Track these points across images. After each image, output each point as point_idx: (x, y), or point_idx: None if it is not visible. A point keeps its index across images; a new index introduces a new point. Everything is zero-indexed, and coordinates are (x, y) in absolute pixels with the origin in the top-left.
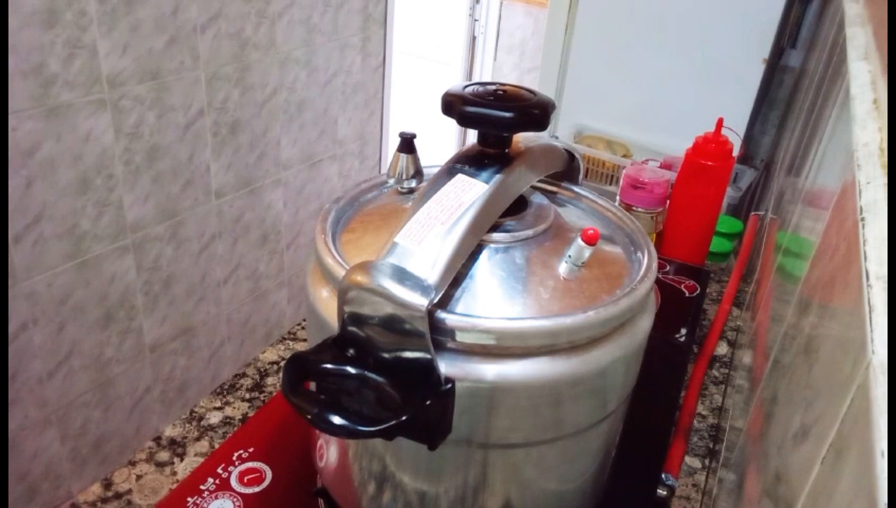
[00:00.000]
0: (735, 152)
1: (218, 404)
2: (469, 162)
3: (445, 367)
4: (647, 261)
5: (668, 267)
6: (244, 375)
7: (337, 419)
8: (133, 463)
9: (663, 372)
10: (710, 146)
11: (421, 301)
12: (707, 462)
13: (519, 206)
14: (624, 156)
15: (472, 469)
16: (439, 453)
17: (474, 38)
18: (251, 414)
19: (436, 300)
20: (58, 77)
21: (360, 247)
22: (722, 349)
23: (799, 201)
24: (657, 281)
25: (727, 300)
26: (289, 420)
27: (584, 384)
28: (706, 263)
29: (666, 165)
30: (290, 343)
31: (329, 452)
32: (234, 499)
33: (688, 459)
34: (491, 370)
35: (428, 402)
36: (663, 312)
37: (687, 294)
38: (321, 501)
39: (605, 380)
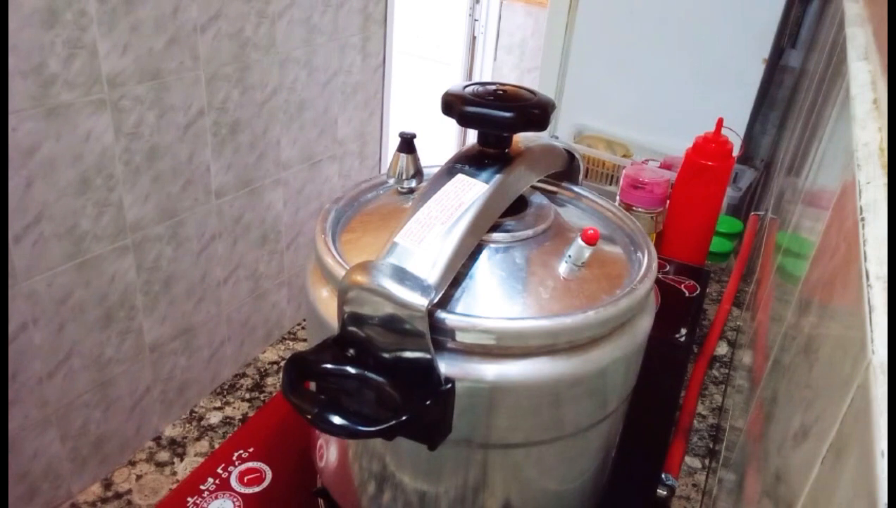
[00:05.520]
0: (735, 152)
1: (218, 404)
2: (469, 162)
3: (445, 367)
4: (647, 261)
5: (668, 267)
6: (244, 375)
7: (337, 419)
8: (133, 463)
9: (663, 372)
10: (710, 146)
11: (421, 301)
12: (707, 462)
13: (519, 206)
14: (624, 156)
15: (472, 469)
16: (439, 453)
17: (474, 38)
18: (251, 414)
19: (436, 300)
20: (58, 77)
21: (360, 247)
22: (722, 349)
23: (799, 201)
24: (657, 281)
25: (727, 300)
26: (289, 420)
27: (584, 384)
28: (706, 263)
29: (666, 165)
30: (290, 343)
31: (329, 452)
32: (234, 499)
33: (688, 459)
34: (491, 370)
35: (428, 402)
36: (663, 312)
37: (687, 294)
38: (321, 501)
39: (605, 380)
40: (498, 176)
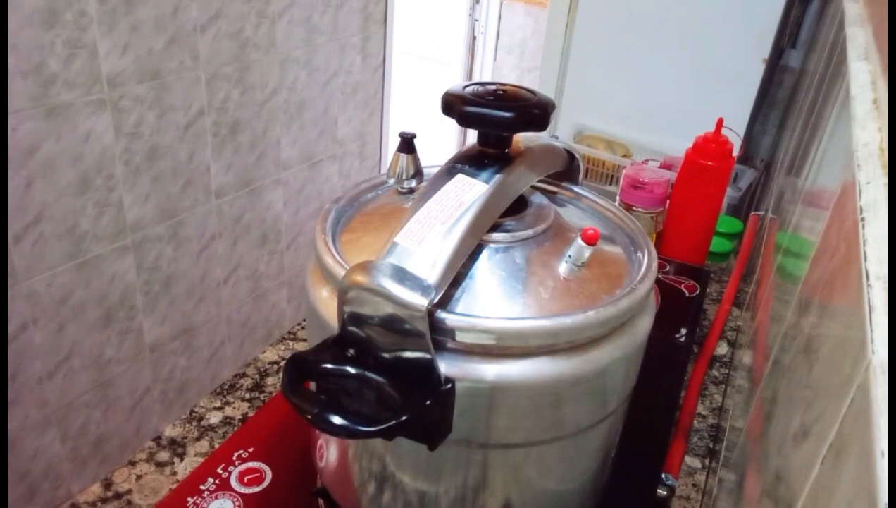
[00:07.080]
0: (735, 152)
1: (218, 404)
2: (469, 162)
3: (445, 367)
4: (647, 261)
5: (668, 267)
6: (244, 375)
7: (337, 419)
8: (133, 463)
9: (663, 372)
10: (710, 146)
11: (421, 301)
12: (707, 462)
13: (519, 206)
14: (624, 156)
15: (472, 469)
16: (439, 453)
17: (474, 38)
18: (251, 414)
19: (436, 300)
20: (58, 77)
21: (360, 247)
22: (722, 349)
23: (799, 201)
24: (657, 281)
25: (727, 300)
26: (289, 420)
27: (584, 384)
28: (706, 263)
29: (666, 165)
30: (290, 343)
31: (329, 452)
32: (234, 499)
33: (688, 459)
34: (491, 370)
35: (428, 402)
36: (663, 312)
37: (687, 294)
38: (321, 501)
39: (605, 380)
40: (498, 176)
